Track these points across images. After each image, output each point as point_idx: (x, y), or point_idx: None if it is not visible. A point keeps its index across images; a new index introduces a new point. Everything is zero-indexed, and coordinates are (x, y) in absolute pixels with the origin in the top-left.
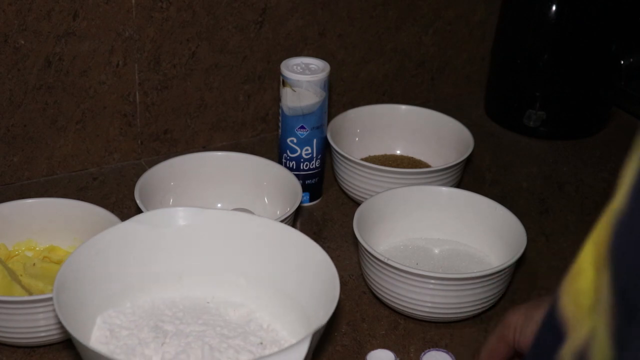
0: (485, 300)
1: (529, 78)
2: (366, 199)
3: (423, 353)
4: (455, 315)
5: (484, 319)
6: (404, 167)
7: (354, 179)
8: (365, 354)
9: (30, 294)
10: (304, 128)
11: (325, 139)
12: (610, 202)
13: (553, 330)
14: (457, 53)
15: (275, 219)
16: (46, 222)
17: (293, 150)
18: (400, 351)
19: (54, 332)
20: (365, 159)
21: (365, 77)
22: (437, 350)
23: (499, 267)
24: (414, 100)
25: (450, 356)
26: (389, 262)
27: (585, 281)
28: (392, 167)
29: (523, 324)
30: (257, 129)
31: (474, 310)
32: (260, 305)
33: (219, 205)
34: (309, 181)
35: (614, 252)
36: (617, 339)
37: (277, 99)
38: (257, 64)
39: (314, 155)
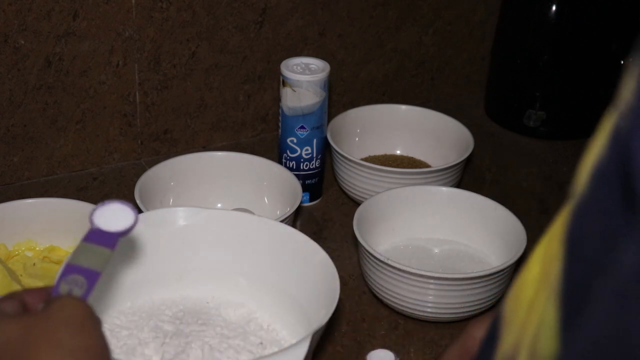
0: (485, 300)
1: (529, 78)
2: (366, 199)
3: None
4: (455, 315)
5: None
6: (404, 167)
7: (354, 179)
8: (365, 354)
9: None
10: (304, 128)
11: (325, 139)
12: (571, 193)
13: (494, 328)
14: (457, 53)
15: (275, 219)
16: (46, 222)
17: (293, 150)
18: (400, 351)
19: None
20: (365, 159)
21: (365, 77)
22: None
23: (499, 267)
24: (414, 100)
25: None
26: (389, 262)
27: (530, 275)
28: (392, 167)
29: None
30: (257, 129)
31: (474, 310)
32: (260, 305)
33: (219, 205)
34: (309, 181)
35: (570, 236)
36: (562, 331)
37: (277, 99)
38: (257, 64)
39: (314, 155)
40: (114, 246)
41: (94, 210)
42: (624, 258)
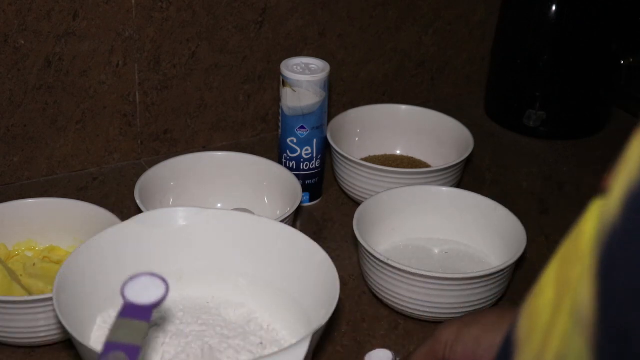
0: (485, 300)
1: (529, 78)
2: (366, 199)
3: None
4: (455, 315)
5: None
6: (404, 167)
7: (354, 179)
8: (365, 354)
9: (30, 294)
10: (304, 128)
11: (325, 139)
12: (586, 214)
13: (506, 352)
14: (457, 53)
15: (275, 219)
16: (46, 222)
17: (293, 150)
18: (400, 351)
19: (54, 332)
20: (365, 159)
21: (365, 77)
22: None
23: (499, 267)
24: (414, 100)
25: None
26: (389, 262)
27: (543, 299)
28: (392, 167)
29: (454, 341)
30: (257, 129)
31: (474, 310)
32: (260, 305)
33: (219, 205)
34: (309, 181)
35: (603, 268)
36: None
37: (277, 99)
38: (257, 64)
39: (314, 155)
40: (149, 318)
41: (124, 284)
42: None
